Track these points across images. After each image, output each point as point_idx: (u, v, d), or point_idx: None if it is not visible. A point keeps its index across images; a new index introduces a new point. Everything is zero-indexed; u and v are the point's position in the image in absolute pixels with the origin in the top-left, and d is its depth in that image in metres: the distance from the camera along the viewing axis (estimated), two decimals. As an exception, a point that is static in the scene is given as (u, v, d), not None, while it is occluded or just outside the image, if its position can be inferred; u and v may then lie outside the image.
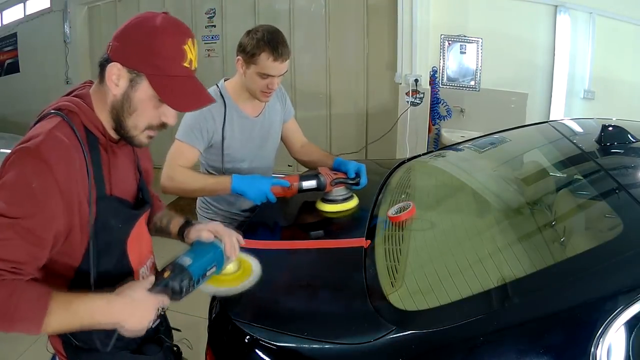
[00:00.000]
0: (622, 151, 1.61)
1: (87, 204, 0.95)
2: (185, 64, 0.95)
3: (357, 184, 1.67)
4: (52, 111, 0.96)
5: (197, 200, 1.91)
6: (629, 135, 1.62)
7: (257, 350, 1.05)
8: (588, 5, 3.31)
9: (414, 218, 1.54)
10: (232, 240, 1.16)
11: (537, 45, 3.52)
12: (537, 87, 3.58)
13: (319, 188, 1.64)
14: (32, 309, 0.85)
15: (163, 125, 1.01)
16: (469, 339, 0.99)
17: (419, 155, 2.33)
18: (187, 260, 1.03)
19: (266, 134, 1.79)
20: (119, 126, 0.99)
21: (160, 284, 0.98)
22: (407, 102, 3.66)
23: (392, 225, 1.51)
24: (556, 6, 3.38)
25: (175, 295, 0.99)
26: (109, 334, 0.99)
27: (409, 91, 3.63)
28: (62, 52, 5.22)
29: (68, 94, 1.03)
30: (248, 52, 1.57)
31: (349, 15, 4.18)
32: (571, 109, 3.52)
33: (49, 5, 5.25)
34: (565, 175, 1.72)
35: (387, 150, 3.90)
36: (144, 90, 0.94)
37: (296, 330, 1.08)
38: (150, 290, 0.96)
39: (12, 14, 5.49)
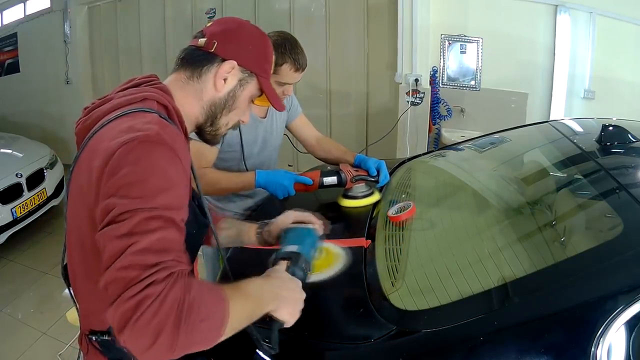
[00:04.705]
0: (622, 151, 1.61)
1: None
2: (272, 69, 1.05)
3: (377, 181, 1.71)
4: (141, 108, 0.85)
5: None
6: (629, 135, 1.63)
7: (257, 350, 1.05)
8: (588, 5, 3.30)
9: (414, 218, 1.54)
10: (319, 222, 1.15)
11: (537, 45, 3.52)
12: (537, 87, 3.58)
13: (340, 184, 1.68)
14: (215, 300, 0.72)
15: (237, 125, 1.05)
16: (469, 338, 0.99)
17: (419, 155, 2.33)
18: (294, 247, 1.00)
19: (268, 136, 1.81)
20: (209, 123, 0.99)
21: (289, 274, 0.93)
22: (408, 101, 3.66)
23: (393, 225, 1.51)
24: (556, 6, 3.38)
25: (301, 281, 0.95)
26: (270, 334, 0.89)
27: (409, 91, 3.63)
28: (62, 52, 5.23)
29: (135, 85, 0.94)
30: None
31: (349, 15, 4.18)
32: (571, 108, 3.52)
33: (49, 5, 5.25)
34: (565, 175, 1.72)
35: (387, 150, 3.90)
36: (250, 90, 1.00)
37: (297, 329, 1.08)
38: None
39: (12, 14, 5.50)
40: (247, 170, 1.74)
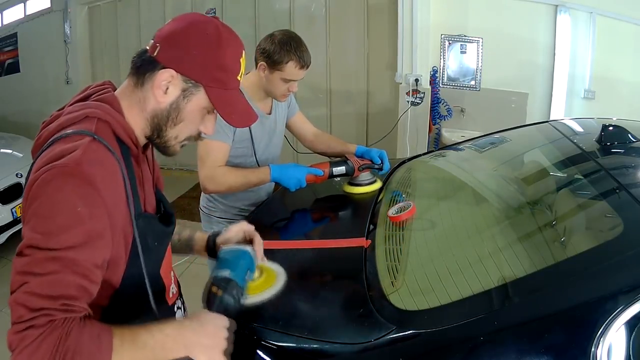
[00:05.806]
0: (622, 151, 1.61)
1: (130, 224, 0.86)
2: (239, 77, 0.92)
3: (381, 168, 1.85)
4: (78, 131, 0.82)
5: (201, 196, 1.93)
6: (629, 135, 1.62)
7: (257, 350, 1.05)
8: (588, 5, 3.31)
9: (414, 218, 1.54)
10: (260, 242, 1.12)
11: (537, 45, 3.52)
12: (538, 87, 3.58)
13: (347, 173, 1.80)
14: (95, 350, 0.73)
15: (199, 136, 0.95)
16: (469, 339, 0.99)
17: (420, 155, 2.33)
18: (226, 272, 0.96)
19: (272, 132, 1.85)
20: (156, 135, 0.91)
21: (218, 303, 0.91)
22: (408, 101, 3.66)
23: (393, 225, 1.51)
24: (556, 6, 3.38)
25: (233, 309, 0.92)
26: None
27: (409, 91, 3.64)
28: (62, 52, 5.22)
29: (85, 98, 0.91)
30: (274, 59, 1.62)
31: (349, 15, 4.18)
32: (571, 108, 3.52)
33: (49, 5, 5.25)
34: (565, 175, 1.72)
35: (387, 149, 3.86)
36: (197, 101, 0.89)
37: (297, 329, 1.08)
38: (211, 311, 0.89)
39: (12, 14, 5.50)
40: (258, 165, 1.78)
